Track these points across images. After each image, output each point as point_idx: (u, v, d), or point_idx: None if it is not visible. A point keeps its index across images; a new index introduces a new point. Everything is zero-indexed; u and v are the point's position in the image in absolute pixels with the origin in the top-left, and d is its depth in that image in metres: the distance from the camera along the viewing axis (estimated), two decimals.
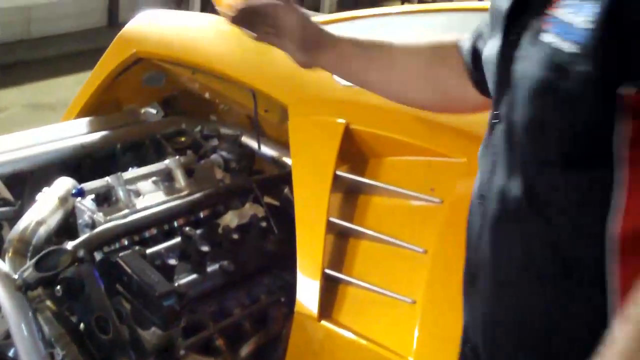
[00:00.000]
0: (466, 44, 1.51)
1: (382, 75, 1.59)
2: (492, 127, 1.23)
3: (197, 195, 2.23)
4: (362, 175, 1.96)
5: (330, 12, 7.26)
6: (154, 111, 2.84)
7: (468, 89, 1.50)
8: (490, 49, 1.26)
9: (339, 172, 1.95)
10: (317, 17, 3.07)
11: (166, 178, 2.28)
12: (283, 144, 2.34)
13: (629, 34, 0.95)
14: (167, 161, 2.31)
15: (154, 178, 2.27)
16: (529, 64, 1.08)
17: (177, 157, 2.34)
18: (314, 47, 1.61)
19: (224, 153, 2.49)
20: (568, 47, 1.00)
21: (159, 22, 2.82)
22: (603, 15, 0.96)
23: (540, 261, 1.10)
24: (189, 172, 2.32)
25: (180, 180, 2.28)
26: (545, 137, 1.08)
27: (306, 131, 2.08)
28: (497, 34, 1.23)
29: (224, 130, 2.64)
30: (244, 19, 1.59)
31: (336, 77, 2.07)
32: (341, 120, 1.99)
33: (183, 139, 2.65)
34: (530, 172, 1.11)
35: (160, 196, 2.22)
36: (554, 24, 1.03)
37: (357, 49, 1.61)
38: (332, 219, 1.90)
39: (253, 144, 2.52)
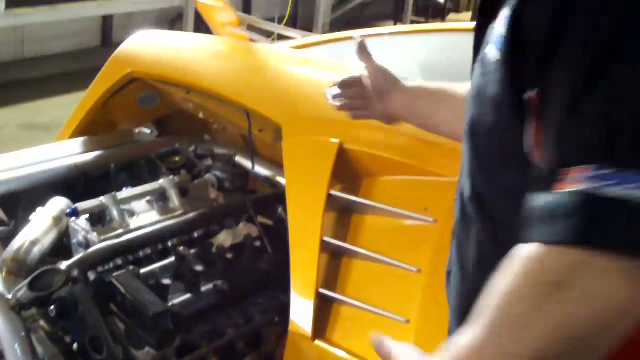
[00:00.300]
0: None
1: (451, 115, 1.61)
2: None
3: (191, 215, 2.24)
4: (355, 194, 1.96)
5: (323, 32, 7.29)
6: (148, 131, 2.85)
7: None
8: None
9: (332, 192, 1.95)
10: (311, 38, 3.09)
11: (160, 198, 2.29)
12: (277, 164, 2.35)
13: (524, 41, 0.98)
14: (161, 181, 2.31)
15: (148, 198, 2.28)
16: (474, 74, 1.14)
17: (171, 176, 2.35)
18: (386, 94, 1.68)
19: (218, 173, 2.49)
20: (494, 55, 1.04)
21: (153, 43, 2.83)
22: (509, 24, 1.00)
23: (493, 260, 1.11)
24: (183, 191, 2.33)
25: (175, 199, 2.28)
26: (479, 140, 1.12)
27: (300, 151, 2.09)
28: None
29: (218, 150, 2.65)
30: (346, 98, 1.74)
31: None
32: (335, 140, 2.00)
33: (177, 158, 2.66)
34: (474, 175, 1.15)
35: (154, 216, 2.23)
36: (492, 34, 1.07)
37: (426, 92, 1.67)
38: (326, 239, 1.91)
39: (247, 163, 2.52)
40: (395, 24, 9.34)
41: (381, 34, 3.03)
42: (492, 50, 1.05)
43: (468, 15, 10.36)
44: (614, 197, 0.84)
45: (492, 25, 1.09)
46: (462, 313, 1.16)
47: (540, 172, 0.95)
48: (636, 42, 0.87)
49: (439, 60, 2.81)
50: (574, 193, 0.86)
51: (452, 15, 10.33)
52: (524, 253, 0.90)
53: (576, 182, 0.86)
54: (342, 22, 8.53)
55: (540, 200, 0.91)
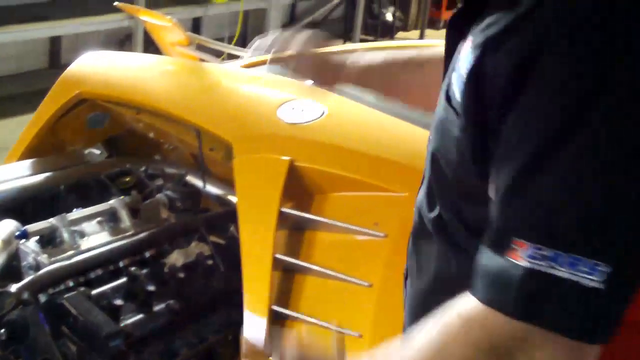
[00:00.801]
0: None
1: (409, 89, 1.71)
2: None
3: (142, 234, 2.23)
4: (307, 211, 1.97)
5: None
6: (98, 152, 2.83)
7: None
8: None
9: (284, 209, 1.96)
10: (260, 56, 3.09)
11: (111, 218, 2.28)
12: (228, 182, 2.35)
13: (484, 92, 0.97)
14: (111, 201, 2.31)
15: (98, 218, 2.27)
16: (439, 102, 1.13)
17: (122, 197, 2.34)
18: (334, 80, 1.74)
19: (169, 192, 2.49)
20: (454, 91, 1.04)
21: (103, 63, 2.82)
22: (470, 74, 0.99)
23: (451, 274, 1.15)
24: (134, 212, 2.32)
25: (125, 220, 2.27)
26: (441, 170, 1.12)
27: (251, 169, 2.09)
28: None
29: (169, 170, 2.64)
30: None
31: (280, 115, 2.10)
32: (285, 158, 2.01)
33: (128, 179, 2.65)
34: (436, 197, 1.16)
35: (105, 236, 2.22)
36: (455, 66, 1.06)
37: (375, 74, 1.72)
38: (278, 256, 1.91)
39: (198, 182, 2.53)
40: (344, 43, 9.39)
41: (332, 52, 3.05)
42: (455, 86, 1.04)
43: (416, 33, 10.45)
44: (556, 278, 0.88)
45: (459, 47, 1.09)
46: (416, 316, 1.18)
47: (492, 221, 0.97)
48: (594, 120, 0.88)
49: None
50: (521, 267, 0.90)
51: (400, 34, 10.40)
52: (468, 309, 0.94)
53: (523, 257, 0.90)
54: None
55: (491, 261, 0.94)
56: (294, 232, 1.98)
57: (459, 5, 1.16)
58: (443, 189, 1.14)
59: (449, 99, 1.07)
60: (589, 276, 0.87)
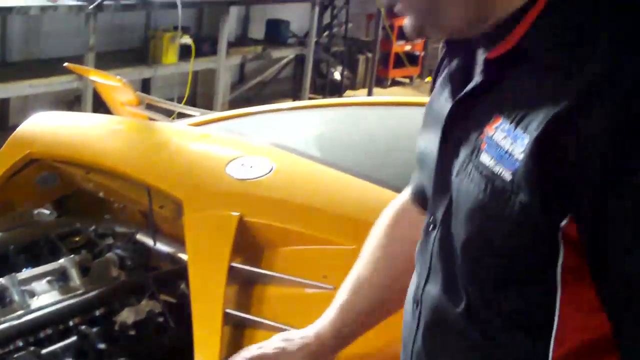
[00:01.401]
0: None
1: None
2: (427, 231, 1.19)
3: (92, 293, 2.23)
4: (257, 265, 2.00)
5: (223, 110, 7.36)
6: (47, 212, 2.83)
7: None
8: (427, 144, 1.22)
9: (234, 264, 1.98)
10: (209, 115, 3.14)
11: (61, 277, 2.28)
12: (178, 240, 2.36)
13: (555, 170, 0.92)
14: (61, 260, 2.30)
15: (48, 278, 2.26)
16: (468, 182, 1.04)
17: (72, 256, 2.34)
18: None
19: (119, 251, 2.49)
20: (504, 173, 0.97)
21: (53, 123, 2.84)
22: (531, 150, 0.93)
23: None
24: (84, 270, 2.32)
25: (76, 279, 2.27)
26: (483, 257, 1.04)
27: (201, 225, 2.11)
28: (434, 130, 1.18)
29: (119, 229, 2.65)
30: None
31: (229, 171, 2.13)
32: (235, 213, 2.04)
33: (77, 238, 2.65)
34: (468, 289, 1.08)
35: (55, 295, 2.21)
36: (490, 145, 1.00)
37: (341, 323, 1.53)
38: (229, 311, 1.92)
39: (148, 240, 2.53)
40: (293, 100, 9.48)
41: (280, 109, 3.10)
42: (499, 167, 0.98)
43: (364, 91, 10.60)
44: None
45: (481, 128, 1.03)
46: None
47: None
48: None
49: (337, 132, 2.89)
50: None
51: (348, 92, 10.54)
52: None
53: None
54: (242, 100, 8.63)
55: None
56: (245, 287, 2.00)
57: (478, 79, 1.07)
58: (478, 278, 1.06)
59: (491, 184, 0.99)
60: None
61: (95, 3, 6.00)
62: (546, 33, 0.97)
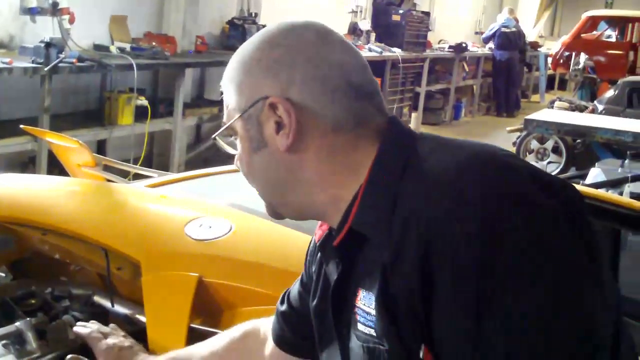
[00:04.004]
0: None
1: None
2: None
3: (49, 356, 2.20)
4: (216, 326, 1.99)
5: (179, 171, 7.36)
6: (2, 274, 2.79)
7: None
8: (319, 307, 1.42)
9: (193, 325, 1.98)
10: (166, 176, 3.14)
11: (17, 341, 2.24)
12: (136, 301, 2.35)
13: (396, 313, 1.12)
14: (17, 323, 2.27)
15: (4, 341, 2.23)
16: (356, 350, 1.23)
17: (27, 319, 2.31)
18: None
19: (75, 313, 2.47)
20: (371, 332, 1.18)
21: (7, 185, 2.82)
22: (377, 305, 1.15)
23: None
24: (40, 333, 2.29)
25: (32, 342, 2.24)
26: None
27: (159, 287, 2.11)
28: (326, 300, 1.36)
29: (76, 291, 2.62)
30: None
31: (188, 232, 2.13)
32: (194, 274, 2.04)
33: (33, 301, 2.61)
34: None
35: (11, 359, 2.18)
36: (360, 314, 1.20)
37: None
38: None
39: (106, 302, 2.51)
40: None
41: (237, 170, 3.11)
42: (366, 328, 1.19)
43: None
44: None
45: (353, 304, 1.23)
46: None
47: None
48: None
49: None
50: None
51: None
52: None
53: None
54: (198, 161, 8.63)
55: None
56: None
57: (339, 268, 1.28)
58: None
59: (367, 345, 1.19)
60: None
61: (51, 65, 5.99)
62: (366, 210, 1.18)
